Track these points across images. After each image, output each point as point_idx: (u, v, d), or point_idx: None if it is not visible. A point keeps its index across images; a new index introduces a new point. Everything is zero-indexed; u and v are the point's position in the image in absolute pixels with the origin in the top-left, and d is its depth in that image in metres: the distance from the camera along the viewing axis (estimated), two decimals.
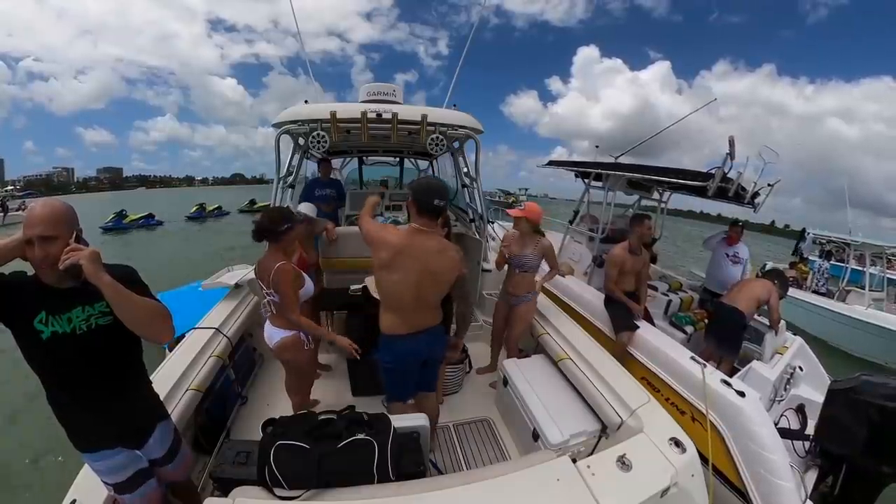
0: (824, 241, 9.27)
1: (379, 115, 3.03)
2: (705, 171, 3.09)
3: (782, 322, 3.73)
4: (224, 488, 1.51)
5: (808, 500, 2.32)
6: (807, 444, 2.75)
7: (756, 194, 3.11)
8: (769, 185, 3.09)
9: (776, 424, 2.88)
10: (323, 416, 1.64)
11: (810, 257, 9.36)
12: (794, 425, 3.00)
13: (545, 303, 3.30)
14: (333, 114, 2.98)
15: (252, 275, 2.84)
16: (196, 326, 2.63)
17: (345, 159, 6.11)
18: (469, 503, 1.37)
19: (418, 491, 1.40)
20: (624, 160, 4.38)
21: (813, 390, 3.38)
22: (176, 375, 2.07)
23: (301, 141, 3.52)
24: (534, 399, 2.36)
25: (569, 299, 4.16)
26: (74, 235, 1.20)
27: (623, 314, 3.35)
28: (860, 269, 7.75)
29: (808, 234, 9.45)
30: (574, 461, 1.58)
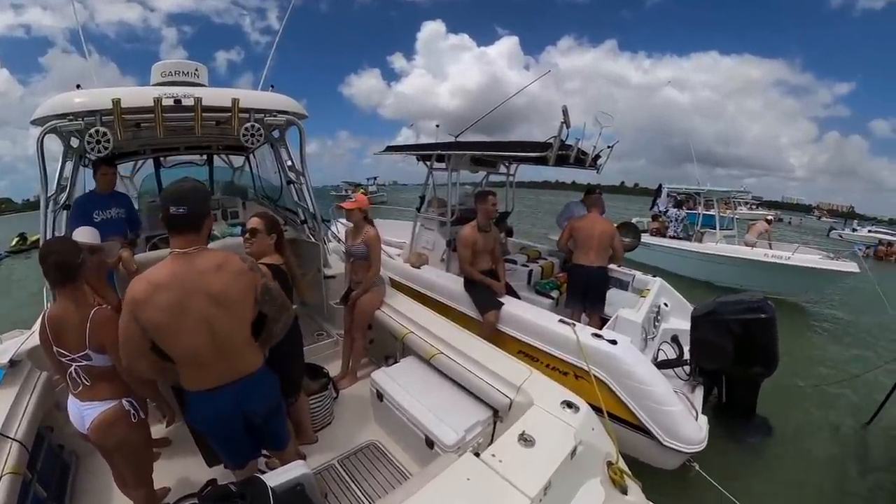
0: (677, 194, 11.85)
1: (177, 101, 2.74)
2: (543, 141, 3.50)
3: (637, 273, 4.63)
4: None
5: (700, 414, 2.97)
6: (687, 368, 3.49)
7: (597, 157, 3.72)
8: (609, 147, 3.75)
9: (655, 359, 3.60)
10: None
11: (670, 208, 11.75)
12: (672, 355, 3.74)
13: (402, 300, 3.42)
14: (117, 102, 2.59)
15: (33, 341, 2.28)
16: None
17: (136, 163, 5.25)
18: None
19: None
20: (468, 138, 4.75)
21: (682, 321, 4.22)
22: None
23: (75, 142, 2.98)
24: (415, 405, 2.41)
25: (427, 290, 4.40)
26: None
27: (485, 294, 3.71)
28: (710, 213, 10.25)
29: (664, 188, 11.92)
30: (477, 455, 1.67)
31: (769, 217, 11.20)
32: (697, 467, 2.69)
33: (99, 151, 2.66)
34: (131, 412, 1.91)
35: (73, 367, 1.82)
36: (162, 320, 1.54)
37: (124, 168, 5.21)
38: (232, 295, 1.63)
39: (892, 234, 24.08)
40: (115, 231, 3.09)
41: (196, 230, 1.60)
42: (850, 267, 7.77)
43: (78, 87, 2.86)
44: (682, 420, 2.74)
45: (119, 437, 1.88)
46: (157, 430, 2.81)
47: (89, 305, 1.82)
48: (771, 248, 9.10)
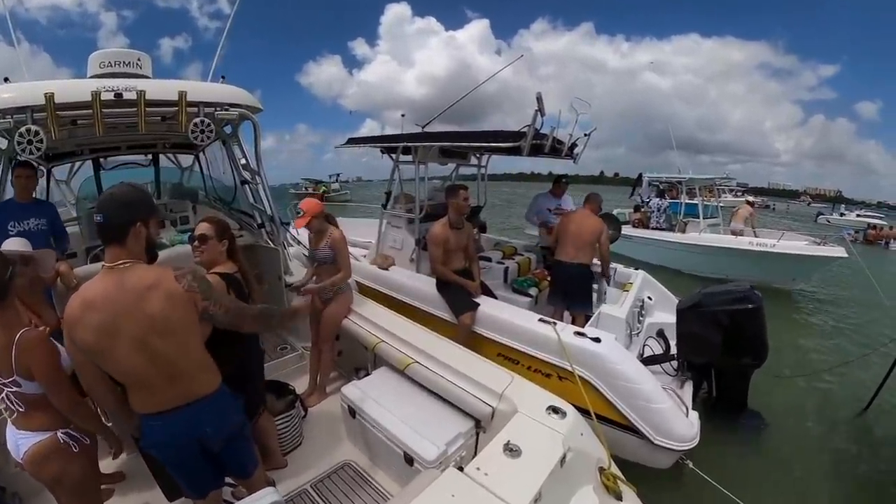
0: (659, 183, 12.21)
1: (118, 94, 2.70)
2: (517, 130, 3.51)
3: (619, 266, 4.72)
4: None
5: (690, 410, 3.06)
6: (674, 363, 3.59)
7: (574, 146, 3.78)
8: (585, 135, 3.80)
9: (641, 355, 3.70)
10: None
11: (652, 197, 12.07)
12: (659, 350, 3.85)
13: (371, 306, 3.42)
14: (50, 97, 2.54)
15: None
16: None
17: (74, 165, 5.10)
18: None
19: None
20: (436, 128, 4.77)
21: (667, 315, 4.34)
22: None
23: (3, 142, 2.94)
24: (391, 420, 2.41)
25: (397, 293, 4.41)
26: None
27: (459, 295, 3.74)
28: (693, 202, 10.58)
29: (645, 177, 12.29)
30: (461, 469, 1.69)
31: (750, 199, 11.59)
32: (691, 465, 2.79)
33: (31, 153, 2.60)
34: (70, 444, 1.85)
35: (4, 392, 1.76)
36: (92, 342, 1.50)
37: (60, 171, 5.04)
38: (163, 321, 1.55)
39: (880, 218, 25.39)
40: (36, 246, 2.91)
41: (118, 242, 1.53)
42: (838, 252, 8.14)
43: (6, 80, 2.80)
44: (673, 417, 2.83)
45: (55, 470, 1.84)
46: (111, 464, 2.76)
47: (21, 325, 1.75)
48: (756, 235, 9.42)
